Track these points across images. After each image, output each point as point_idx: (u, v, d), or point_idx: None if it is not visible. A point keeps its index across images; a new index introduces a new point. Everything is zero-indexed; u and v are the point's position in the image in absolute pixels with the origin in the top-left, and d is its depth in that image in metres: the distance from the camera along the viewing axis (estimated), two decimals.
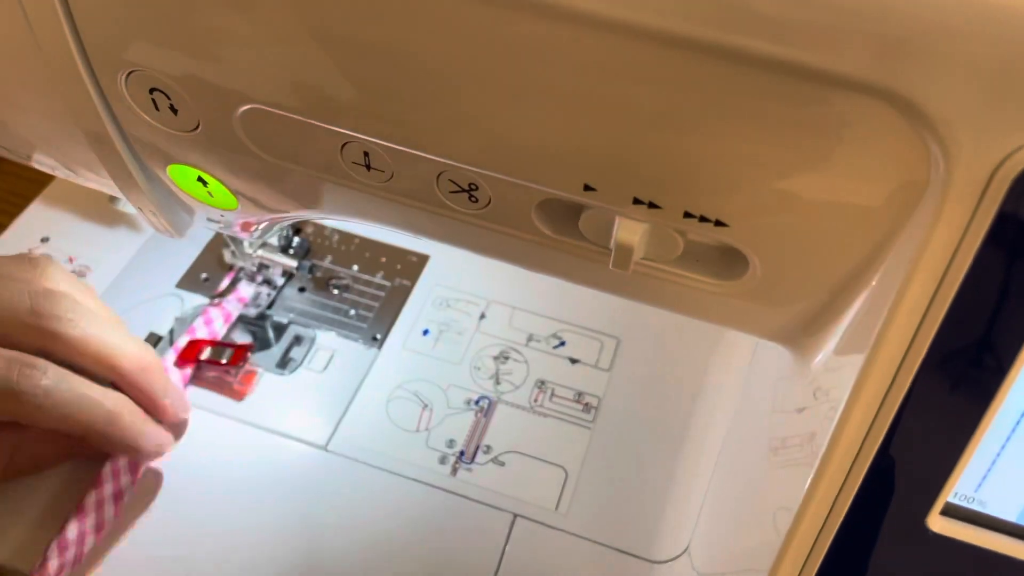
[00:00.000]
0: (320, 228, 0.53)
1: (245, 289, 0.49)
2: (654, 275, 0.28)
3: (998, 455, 0.25)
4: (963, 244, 0.21)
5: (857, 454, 0.25)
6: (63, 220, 0.53)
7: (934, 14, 0.19)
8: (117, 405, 0.38)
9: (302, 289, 0.50)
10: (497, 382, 0.47)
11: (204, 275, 0.51)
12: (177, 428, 0.42)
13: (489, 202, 0.28)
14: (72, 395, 0.36)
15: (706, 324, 0.31)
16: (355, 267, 0.52)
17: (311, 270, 0.50)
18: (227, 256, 0.49)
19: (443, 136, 0.26)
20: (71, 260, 0.51)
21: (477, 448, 0.44)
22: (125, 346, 0.39)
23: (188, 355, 0.45)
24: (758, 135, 0.22)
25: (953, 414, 0.24)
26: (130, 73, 0.28)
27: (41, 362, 0.36)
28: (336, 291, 0.50)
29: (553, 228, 0.29)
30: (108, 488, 0.40)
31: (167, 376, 0.41)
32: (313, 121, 0.27)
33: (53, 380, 0.36)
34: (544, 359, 0.48)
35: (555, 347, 0.49)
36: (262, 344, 0.47)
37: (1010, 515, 0.26)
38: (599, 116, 0.23)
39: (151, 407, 0.40)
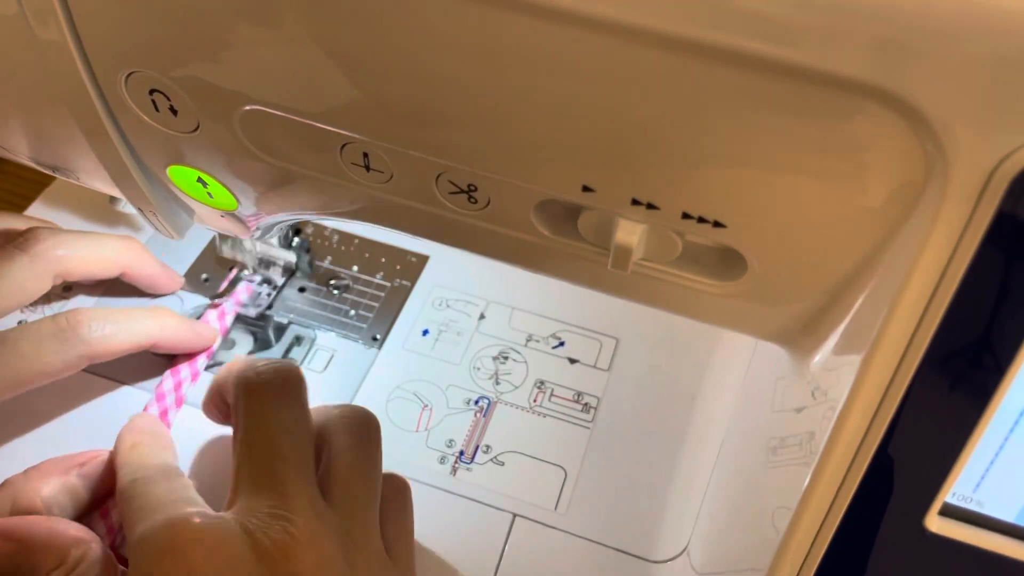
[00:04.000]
0: (320, 228, 0.53)
1: (245, 289, 0.49)
2: (653, 276, 0.28)
3: (996, 455, 0.25)
4: (961, 244, 0.21)
5: (855, 454, 0.25)
6: (64, 220, 0.53)
7: (931, 14, 0.19)
8: (161, 318, 0.43)
9: (302, 289, 0.50)
10: (496, 382, 0.47)
11: (204, 276, 0.51)
12: None
13: (488, 203, 0.28)
14: (121, 327, 0.40)
15: (705, 324, 0.31)
16: (355, 267, 0.52)
17: (311, 266, 0.50)
18: (225, 250, 0.48)
19: (442, 137, 0.26)
20: None
21: (476, 448, 0.44)
22: (144, 325, 0.42)
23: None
24: (755, 136, 0.22)
25: (951, 414, 0.24)
26: (130, 74, 0.28)
27: (81, 310, 0.39)
28: (336, 291, 0.50)
29: (552, 229, 0.29)
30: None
31: (186, 323, 0.44)
32: (313, 122, 0.27)
33: (100, 322, 0.39)
34: (543, 359, 0.48)
35: (554, 347, 0.49)
36: (262, 344, 0.48)
37: (1008, 515, 0.26)
38: (597, 117, 0.24)
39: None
